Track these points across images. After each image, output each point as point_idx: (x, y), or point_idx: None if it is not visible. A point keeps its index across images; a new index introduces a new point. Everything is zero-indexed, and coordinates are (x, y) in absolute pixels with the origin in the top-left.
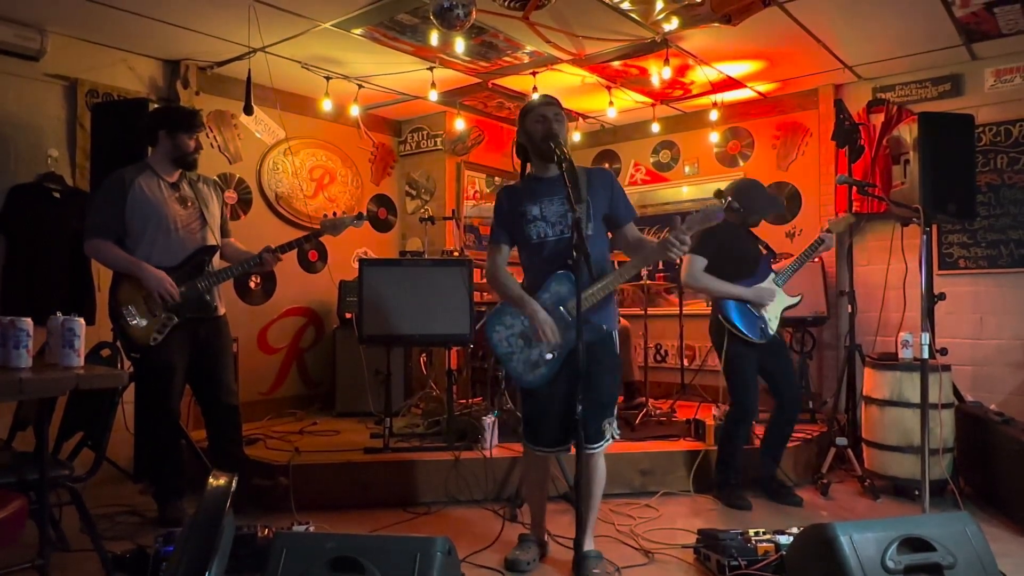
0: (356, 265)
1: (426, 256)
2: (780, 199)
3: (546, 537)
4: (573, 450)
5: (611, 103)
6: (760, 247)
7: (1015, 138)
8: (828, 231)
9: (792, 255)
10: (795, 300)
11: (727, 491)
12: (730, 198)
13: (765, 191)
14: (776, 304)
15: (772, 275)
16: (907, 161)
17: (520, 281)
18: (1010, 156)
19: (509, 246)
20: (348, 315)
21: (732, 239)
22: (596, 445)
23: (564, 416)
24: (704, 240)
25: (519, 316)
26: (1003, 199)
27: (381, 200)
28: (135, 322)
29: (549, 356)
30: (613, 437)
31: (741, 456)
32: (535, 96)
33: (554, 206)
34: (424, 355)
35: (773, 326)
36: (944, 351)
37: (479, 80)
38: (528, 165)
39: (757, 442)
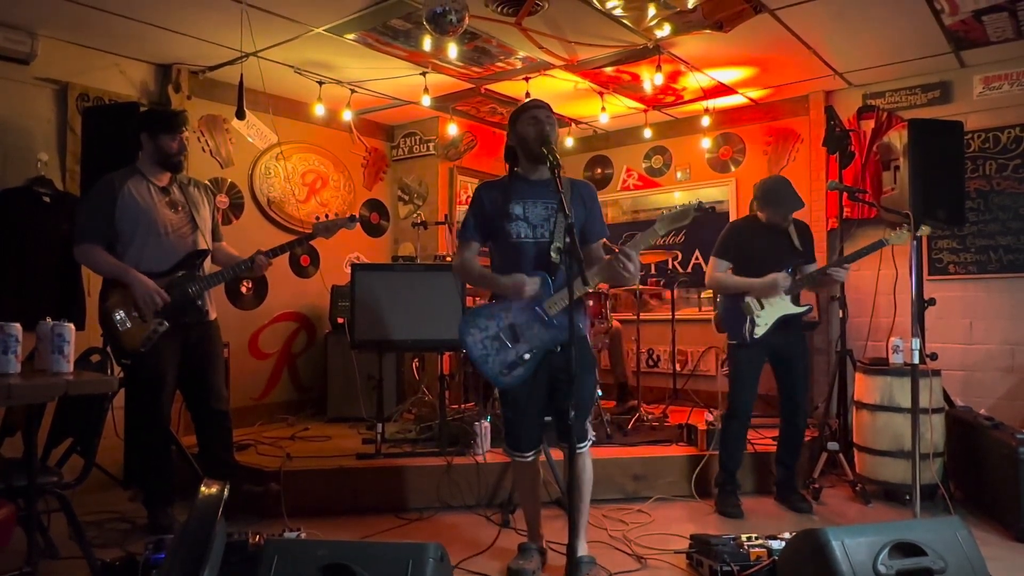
0: (348, 270)
1: (418, 261)
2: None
3: (544, 544)
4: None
5: (603, 109)
6: (789, 248)
7: (1003, 144)
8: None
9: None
10: (800, 309)
11: (721, 497)
12: (699, 200)
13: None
14: (772, 309)
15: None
16: (897, 167)
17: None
18: (999, 162)
19: (480, 244)
20: (340, 320)
21: (750, 238)
22: (584, 444)
23: (540, 417)
24: (724, 242)
25: (494, 318)
26: (992, 205)
27: (373, 205)
28: (125, 327)
29: (527, 356)
30: (591, 437)
31: (735, 459)
32: (526, 100)
33: (537, 208)
34: (416, 360)
35: (759, 331)
36: (934, 356)
37: (472, 85)
38: (517, 169)
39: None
